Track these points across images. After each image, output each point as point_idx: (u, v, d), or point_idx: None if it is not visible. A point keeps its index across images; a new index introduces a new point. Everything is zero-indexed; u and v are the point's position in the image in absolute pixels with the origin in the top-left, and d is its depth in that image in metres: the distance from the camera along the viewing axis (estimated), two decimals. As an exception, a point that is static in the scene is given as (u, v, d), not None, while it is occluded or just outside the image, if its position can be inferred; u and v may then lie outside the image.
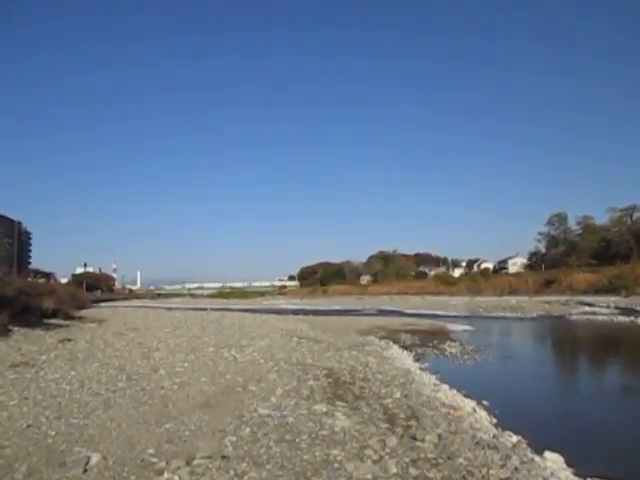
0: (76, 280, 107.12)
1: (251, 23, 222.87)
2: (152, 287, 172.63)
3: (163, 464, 5.62)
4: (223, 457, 5.87)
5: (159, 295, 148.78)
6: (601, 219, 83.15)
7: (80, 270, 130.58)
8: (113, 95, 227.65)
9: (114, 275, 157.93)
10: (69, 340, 17.66)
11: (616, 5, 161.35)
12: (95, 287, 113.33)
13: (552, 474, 5.88)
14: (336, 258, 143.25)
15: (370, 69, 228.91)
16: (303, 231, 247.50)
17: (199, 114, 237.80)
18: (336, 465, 5.74)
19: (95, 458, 5.73)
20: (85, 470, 5.43)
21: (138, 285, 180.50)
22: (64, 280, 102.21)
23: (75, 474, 5.31)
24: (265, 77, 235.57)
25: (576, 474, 6.13)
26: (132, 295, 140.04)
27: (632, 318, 31.05)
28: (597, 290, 53.39)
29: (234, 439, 6.57)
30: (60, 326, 23.39)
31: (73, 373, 11.25)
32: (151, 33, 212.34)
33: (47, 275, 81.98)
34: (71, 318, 28.43)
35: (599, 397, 12.30)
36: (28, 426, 7.03)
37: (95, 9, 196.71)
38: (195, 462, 5.68)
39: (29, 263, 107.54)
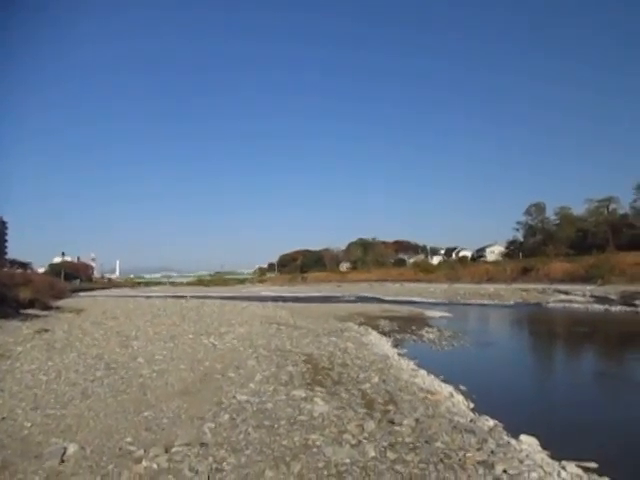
0: (54, 270, 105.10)
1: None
2: (131, 276, 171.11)
3: (141, 452, 5.61)
4: (202, 444, 5.89)
5: (139, 284, 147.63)
6: (578, 210, 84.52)
7: (58, 260, 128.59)
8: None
9: (93, 264, 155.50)
10: (46, 330, 17.38)
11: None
12: (74, 276, 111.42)
13: (527, 456, 6.01)
14: (316, 245, 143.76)
15: (355, 65, 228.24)
16: (283, 219, 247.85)
17: (183, 103, 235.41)
18: (315, 450, 5.81)
19: (72, 448, 5.68)
20: (62, 461, 5.39)
21: (117, 274, 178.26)
22: (41, 270, 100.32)
23: (51, 465, 5.26)
24: (247, 66, 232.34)
25: (551, 456, 6.27)
26: (111, 284, 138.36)
27: (606, 306, 31.76)
28: (573, 279, 54.01)
29: (213, 426, 6.58)
30: (37, 316, 23.00)
31: (50, 363, 11.08)
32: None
33: (24, 265, 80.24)
34: (49, 308, 27.98)
35: (573, 382, 12.58)
36: (3, 418, 6.90)
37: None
38: (173, 449, 5.69)
39: (5, 253, 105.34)
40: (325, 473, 5.21)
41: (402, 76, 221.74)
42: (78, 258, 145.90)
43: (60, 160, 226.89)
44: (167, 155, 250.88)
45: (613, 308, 30.94)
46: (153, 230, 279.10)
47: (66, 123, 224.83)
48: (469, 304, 40.40)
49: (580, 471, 5.80)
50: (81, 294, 65.24)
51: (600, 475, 5.73)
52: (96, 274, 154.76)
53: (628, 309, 30.09)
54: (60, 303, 33.36)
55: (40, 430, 6.44)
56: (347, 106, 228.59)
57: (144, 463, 5.29)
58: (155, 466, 5.24)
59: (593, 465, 6.08)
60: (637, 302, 32.32)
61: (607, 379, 12.82)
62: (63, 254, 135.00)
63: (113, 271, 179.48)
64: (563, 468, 5.82)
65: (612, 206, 79.41)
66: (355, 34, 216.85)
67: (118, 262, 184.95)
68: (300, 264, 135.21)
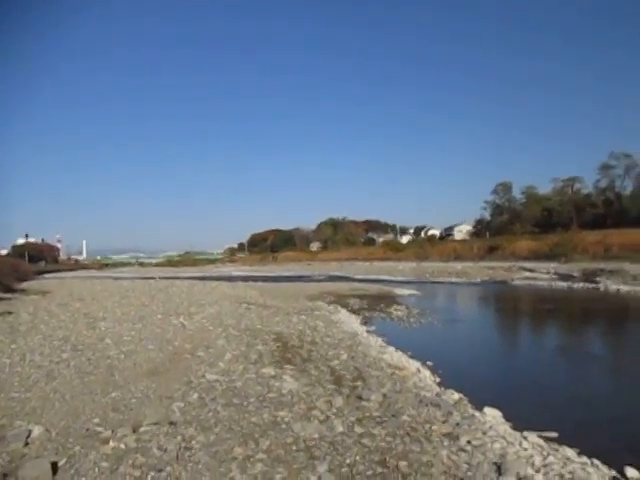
0: (17, 251, 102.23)
1: None
2: (99, 257, 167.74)
3: (109, 433, 5.56)
4: (170, 423, 5.88)
5: (106, 265, 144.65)
6: (544, 189, 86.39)
7: (21, 241, 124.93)
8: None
9: (58, 245, 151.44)
10: (10, 313, 16.96)
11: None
12: (38, 258, 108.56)
13: (491, 428, 6.22)
14: (286, 225, 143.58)
15: (326, 43, 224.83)
16: (253, 199, 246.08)
17: (154, 82, 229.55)
18: (284, 426, 5.88)
19: (37, 431, 5.59)
20: (27, 443, 5.29)
21: (84, 255, 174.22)
22: (4, 252, 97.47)
23: (16, 448, 5.15)
24: (219, 46, 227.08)
25: (513, 427, 6.52)
26: (78, 266, 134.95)
27: (569, 283, 32.81)
28: (538, 257, 55.24)
29: (182, 405, 6.58)
30: (0, 299, 22.46)
31: (14, 346, 10.83)
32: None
33: (-15, 247, 77.92)
34: (12, 291, 27.35)
35: (536, 357, 12.98)
36: (-36, 402, 6.74)
37: None
38: (142, 429, 5.66)
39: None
40: (294, 448, 5.29)
41: (369, 52, 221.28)
42: (42, 239, 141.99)
43: (24, 141, 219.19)
44: (135, 136, 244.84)
45: (575, 285, 31.98)
46: (120, 211, 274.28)
47: (35, 105, 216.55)
48: (437, 282, 41.08)
49: (541, 441, 6.03)
50: (47, 276, 63.73)
51: (560, 444, 5.97)
52: (62, 255, 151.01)
53: (589, 286, 31.14)
54: (24, 285, 32.63)
55: (3, 413, 6.29)
56: (315, 85, 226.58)
57: (112, 443, 5.24)
58: (123, 446, 5.20)
59: (553, 435, 6.33)
60: (598, 279, 33.45)
61: (568, 354, 13.29)
62: (27, 236, 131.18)
63: (80, 252, 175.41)
64: (525, 438, 6.05)
65: (576, 186, 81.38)
66: (339, 13, 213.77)
67: (85, 243, 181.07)
68: (270, 244, 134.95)
